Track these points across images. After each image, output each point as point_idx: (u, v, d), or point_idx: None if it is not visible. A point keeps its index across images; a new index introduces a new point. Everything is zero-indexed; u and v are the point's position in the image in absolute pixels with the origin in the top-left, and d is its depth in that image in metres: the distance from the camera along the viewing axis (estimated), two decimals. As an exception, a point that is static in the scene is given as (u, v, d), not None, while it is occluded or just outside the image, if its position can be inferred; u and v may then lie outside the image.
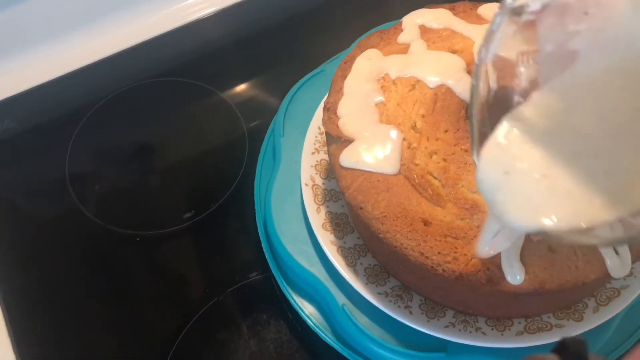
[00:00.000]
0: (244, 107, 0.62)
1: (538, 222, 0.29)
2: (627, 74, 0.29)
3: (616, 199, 0.28)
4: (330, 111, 0.44)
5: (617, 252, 0.38)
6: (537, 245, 0.38)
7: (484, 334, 0.42)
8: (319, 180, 0.49)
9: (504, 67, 0.33)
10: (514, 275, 0.37)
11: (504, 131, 0.31)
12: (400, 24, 0.48)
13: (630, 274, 0.43)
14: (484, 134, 0.32)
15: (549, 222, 0.28)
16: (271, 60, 0.66)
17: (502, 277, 0.37)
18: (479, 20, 0.48)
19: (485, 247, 0.36)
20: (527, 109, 0.32)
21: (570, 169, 0.29)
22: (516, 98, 0.33)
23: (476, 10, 0.49)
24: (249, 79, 0.65)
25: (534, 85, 0.33)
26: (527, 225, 0.29)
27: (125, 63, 0.66)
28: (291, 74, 0.58)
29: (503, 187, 0.30)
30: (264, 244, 0.50)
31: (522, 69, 0.33)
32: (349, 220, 0.48)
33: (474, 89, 0.32)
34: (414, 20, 0.47)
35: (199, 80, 0.64)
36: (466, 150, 0.41)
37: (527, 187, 0.29)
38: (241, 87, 0.64)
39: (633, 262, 0.38)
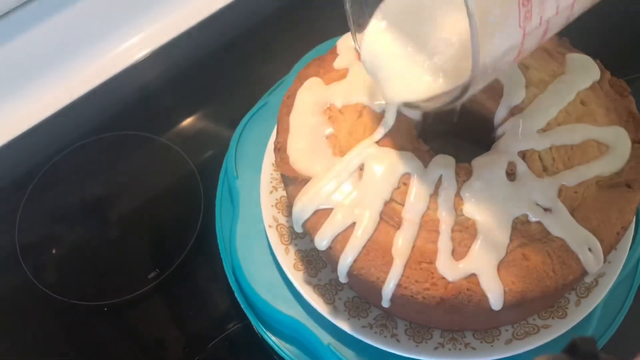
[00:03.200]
0: (189, 147, 0.60)
1: (406, 97, 0.36)
2: None
3: (453, 71, 0.34)
4: (281, 151, 0.43)
5: (590, 250, 0.38)
6: (511, 257, 0.37)
7: (473, 348, 0.42)
8: (282, 219, 0.48)
9: None
10: (495, 292, 0.36)
11: (375, 21, 0.37)
12: (336, 48, 0.47)
13: (605, 260, 0.44)
14: (363, 25, 0.38)
15: (413, 96, 0.36)
16: (208, 93, 0.64)
17: (483, 294, 0.37)
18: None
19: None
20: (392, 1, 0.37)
21: (421, 49, 0.35)
22: None
23: None
24: (189, 117, 0.63)
25: None
26: (399, 99, 0.37)
27: (61, 125, 0.62)
28: (232, 103, 0.56)
29: (379, 69, 0.37)
30: (237, 294, 0.48)
31: None
32: (320, 255, 0.46)
33: None
34: (347, 43, 0.46)
35: (135, 129, 0.61)
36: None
37: (393, 68, 0.36)
38: (182, 127, 0.62)
39: (605, 254, 0.38)
